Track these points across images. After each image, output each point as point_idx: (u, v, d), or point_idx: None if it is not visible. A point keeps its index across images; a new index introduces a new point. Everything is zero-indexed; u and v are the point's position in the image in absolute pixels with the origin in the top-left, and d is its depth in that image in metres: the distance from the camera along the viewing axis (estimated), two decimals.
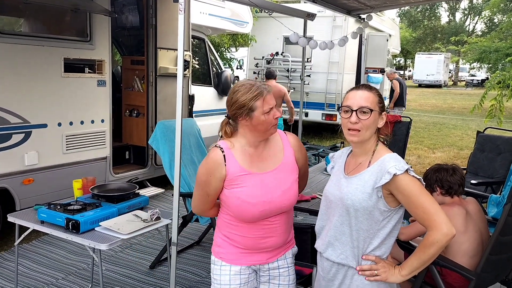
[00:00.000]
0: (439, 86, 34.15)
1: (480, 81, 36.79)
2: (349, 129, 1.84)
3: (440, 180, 2.82)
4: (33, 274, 3.77)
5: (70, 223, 2.67)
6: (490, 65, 16.76)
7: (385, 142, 1.92)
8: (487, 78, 36.56)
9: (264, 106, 1.89)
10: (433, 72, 33.73)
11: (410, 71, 46.49)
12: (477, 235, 2.71)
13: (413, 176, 1.75)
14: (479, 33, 39.40)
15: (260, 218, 1.92)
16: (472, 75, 37.90)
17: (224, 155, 1.92)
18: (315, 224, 2.57)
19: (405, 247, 2.83)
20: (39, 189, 4.31)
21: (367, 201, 1.78)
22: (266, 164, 1.97)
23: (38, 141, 4.28)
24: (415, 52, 38.53)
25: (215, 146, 1.96)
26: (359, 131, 1.82)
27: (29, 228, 2.86)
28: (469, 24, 42.78)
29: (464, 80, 40.28)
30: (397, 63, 44.25)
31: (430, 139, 11.33)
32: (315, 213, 3.29)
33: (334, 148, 9.14)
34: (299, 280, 2.83)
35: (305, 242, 2.58)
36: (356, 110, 1.81)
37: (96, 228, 2.73)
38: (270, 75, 7.37)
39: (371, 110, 1.80)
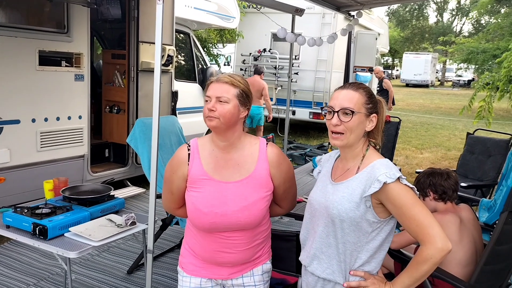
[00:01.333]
0: (426, 86, 34.35)
1: (466, 82, 37.11)
2: (332, 132, 1.68)
3: (434, 184, 2.68)
4: (2, 279, 3.54)
5: (37, 229, 2.47)
6: (477, 66, 16.81)
7: (376, 146, 1.76)
8: (473, 79, 36.94)
9: (205, 94, 1.79)
10: (420, 72, 33.90)
11: (397, 70, 46.74)
12: (471, 244, 2.57)
13: (405, 184, 1.59)
14: (466, 34, 39.72)
15: (211, 230, 1.78)
16: (459, 76, 38.18)
17: (189, 154, 1.81)
18: (299, 232, 2.43)
19: (396, 255, 2.69)
20: (11, 188, 4.08)
21: (354, 211, 1.62)
22: (231, 173, 1.79)
23: (10, 138, 4.04)
24: (403, 52, 38.70)
25: (186, 143, 1.88)
26: (343, 134, 1.66)
27: None
28: (456, 25, 43.13)
29: (451, 81, 40.58)
30: (385, 62, 44.41)
31: (417, 139, 11.27)
32: (301, 218, 3.14)
33: (322, 148, 9.03)
34: None
35: (290, 250, 2.42)
36: (338, 112, 1.65)
37: (65, 234, 2.53)
38: (256, 71, 8.17)
39: (353, 112, 1.64)
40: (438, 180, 2.69)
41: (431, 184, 2.68)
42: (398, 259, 2.62)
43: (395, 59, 47.78)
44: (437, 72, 40.40)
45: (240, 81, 1.77)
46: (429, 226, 1.55)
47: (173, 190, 1.86)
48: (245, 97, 1.77)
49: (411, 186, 1.60)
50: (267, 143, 1.87)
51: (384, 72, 11.17)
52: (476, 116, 8.41)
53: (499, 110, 16.74)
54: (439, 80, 41.26)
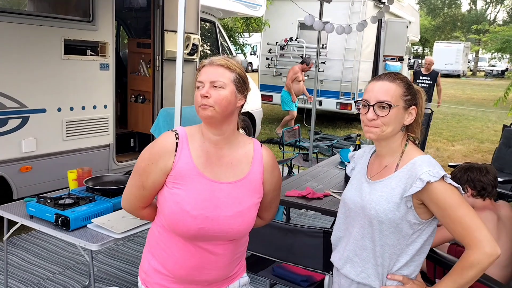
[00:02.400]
0: (458, 76, 33.43)
1: (500, 72, 35.87)
2: (366, 125, 1.56)
3: (472, 180, 2.52)
4: (29, 267, 3.58)
5: (59, 219, 2.45)
6: None
7: (415, 141, 1.63)
8: (507, 69, 35.65)
9: (196, 79, 1.52)
10: (452, 62, 33.00)
11: None
12: (510, 244, 2.42)
13: (450, 184, 1.46)
14: (501, 22, 38.32)
15: (196, 238, 1.50)
16: (492, 66, 36.96)
17: (177, 143, 1.52)
18: (326, 229, 2.33)
19: (429, 254, 2.55)
20: (38, 177, 4.10)
21: (394, 212, 1.50)
22: (225, 172, 1.55)
23: (36, 127, 4.05)
24: (434, 41, 37.68)
25: (171, 130, 1.57)
26: (378, 127, 1.54)
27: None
28: (490, 13, 41.65)
29: (484, 71, 39.35)
30: (415, 51, 43.36)
31: (449, 130, 10.92)
32: (328, 213, 3.04)
33: (349, 139, 8.83)
34: (310, 287, 2.58)
35: (316, 247, 2.32)
36: (373, 105, 1.52)
37: (88, 225, 2.50)
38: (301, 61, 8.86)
39: (390, 106, 1.51)
40: (477, 176, 2.54)
41: (469, 179, 2.53)
42: (431, 259, 2.48)
43: (426, 48, 46.59)
44: (469, 62, 39.25)
45: (236, 65, 1.54)
46: (477, 229, 1.43)
47: (146, 184, 1.52)
48: (242, 83, 1.54)
49: (456, 185, 1.47)
50: (261, 145, 1.66)
51: (414, 62, 10.72)
52: (511, 108, 8.07)
53: None
54: (471, 70, 40.08)
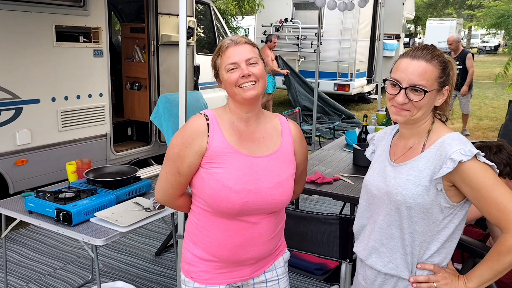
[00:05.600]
0: (450, 53, 33.27)
1: (493, 48, 35.76)
2: (395, 107, 1.43)
3: None
4: (29, 263, 3.47)
5: (61, 214, 2.33)
6: (509, 29, 16.00)
7: (443, 119, 1.51)
8: (499, 45, 35.49)
9: (224, 62, 1.50)
10: (445, 39, 32.69)
11: (420, 38, 45.36)
12: None
13: (483, 162, 1.35)
14: None
15: (241, 212, 1.50)
16: (485, 42, 36.81)
17: (208, 124, 1.52)
18: (343, 215, 2.22)
19: None
20: (34, 170, 3.97)
21: (423, 196, 1.38)
22: (258, 146, 1.56)
23: (30, 118, 3.90)
24: (426, 19, 37.38)
25: (199, 113, 1.57)
26: (409, 111, 1.41)
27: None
28: None
29: (476, 47, 39.22)
30: (408, 30, 43.11)
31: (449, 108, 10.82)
32: (339, 197, 2.93)
33: (351, 119, 8.66)
34: (324, 276, 2.49)
35: (332, 235, 2.21)
36: (406, 88, 1.38)
37: (91, 219, 2.38)
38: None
39: (426, 91, 1.37)
40: (486, 155, 2.42)
41: None
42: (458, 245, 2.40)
43: (418, 26, 46.30)
44: (462, 39, 39.08)
45: (251, 40, 1.58)
46: None
47: (181, 169, 1.52)
48: (262, 57, 1.58)
49: (490, 164, 1.36)
50: (286, 119, 1.69)
51: (409, 40, 10.51)
52: (511, 83, 7.99)
53: None
54: (463, 47, 39.95)
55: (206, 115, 1.55)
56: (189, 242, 1.63)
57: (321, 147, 4.39)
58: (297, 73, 9.05)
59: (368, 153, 1.73)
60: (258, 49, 1.56)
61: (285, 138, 1.61)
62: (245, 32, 17.69)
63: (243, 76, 1.47)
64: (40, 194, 2.52)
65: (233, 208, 1.49)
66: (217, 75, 1.57)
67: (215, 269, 1.58)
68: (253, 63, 1.49)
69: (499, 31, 19.88)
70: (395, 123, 1.59)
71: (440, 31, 33.02)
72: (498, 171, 2.42)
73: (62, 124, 4.16)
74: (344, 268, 2.26)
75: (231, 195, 1.47)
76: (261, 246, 1.58)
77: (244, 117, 1.55)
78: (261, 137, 1.57)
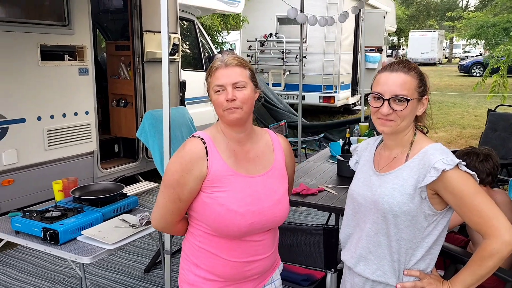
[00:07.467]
0: (434, 64, 33.83)
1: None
2: (380, 119, 1.50)
3: (467, 165, 2.49)
4: (18, 284, 3.43)
5: (47, 234, 2.34)
6: (488, 40, 16.38)
7: (424, 130, 1.58)
8: (480, 54, 36.20)
9: (213, 83, 1.50)
10: (427, 50, 33.36)
11: (403, 49, 46.07)
12: None
13: (465, 171, 1.42)
14: (473, 8, 38.93)
15: (248, 233, 1.52)
16: (467, 52, 37.54)
17: (206, 148, 1.50)
18: (326, 225, 2.27)
19: None
20: (21, 190, 3.96)
21: (408, 204, 1.45)
22: (254, 166, 1.57)
23: (16, 137, 3.90)
24: (409, 30, 38.04)
25: (193, 136, 1.55)
26: (393, 121, 1.48)
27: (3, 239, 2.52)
28: (462, 0, 42.24)
29: (458, 57, 39.92)
30: (391, 42, 43.78)
31: (430, 118, 11.01)
32: (323, 208, 2.98)
33: (340, 127, 8.68)
34: (311, 287, 2.52)
35: (316, 245, 2.26)
36: (389, 99, 1.46)
37: (78, 238, 2.40)
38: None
39: (408, 100, 1.45)
40: (472, 161, 2.50)
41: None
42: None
43: (401, 38, 47.04)
44: (444, 50, 39.77)
45: (245, 60, 1.55)
46: (494, 218, 1.38)
47: (182, 196, 1.50)
48: (255, 76, 1.56)
49: (471, 172, 1.43)
50: (275, 133, 1.72)
51: (392, 52, 10.72)
52: (491, 91, 8.16)
53: None
54: (446, 58, 40.62)
55: (203, 139, 1.53)
56: (190, 264, 1.61)
57: (307, 158, 4.44)
58: (267, 96, 8.68)
59: (352, 163, 1.79)
60: (252, 70, 1.55)
61: (277, 154, 1.64)
62: (231, 47, 17.84)
63: (227, 99, 1.47)
64: (26, 213, 2.52)
65: (239, 231, 1.49)
66: (208, 92, 1.57)
67: None
68: (239, 87, 1.48)
69: (479, 41, 20.34)
70: (378, 134, 1.66)
71: (422, 43, 33.70)
72: (479, 179, 2.51)
73: (49, 143, 4.17)
74: (330, 277, 2.30)
75: (237, 218, 1.48)
76: (264, 261, 1.60)
77: (236, 137, 1.56)
78: (255, 155, 1.59)
